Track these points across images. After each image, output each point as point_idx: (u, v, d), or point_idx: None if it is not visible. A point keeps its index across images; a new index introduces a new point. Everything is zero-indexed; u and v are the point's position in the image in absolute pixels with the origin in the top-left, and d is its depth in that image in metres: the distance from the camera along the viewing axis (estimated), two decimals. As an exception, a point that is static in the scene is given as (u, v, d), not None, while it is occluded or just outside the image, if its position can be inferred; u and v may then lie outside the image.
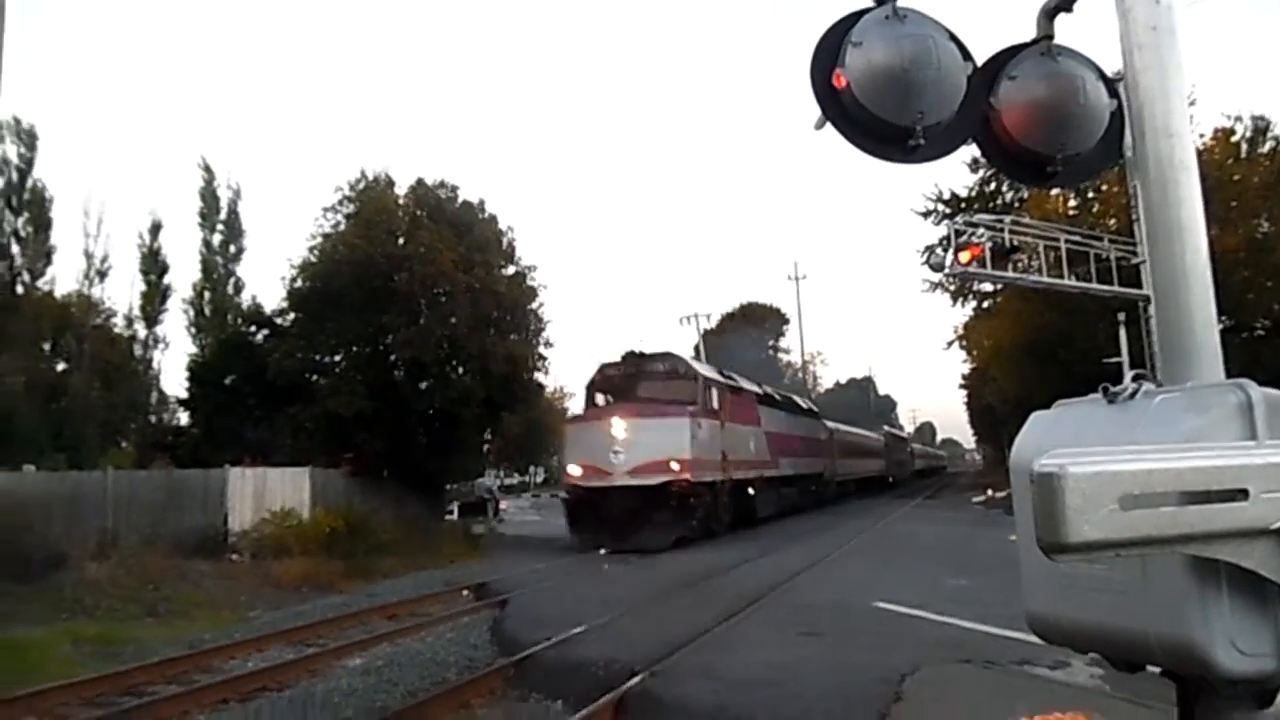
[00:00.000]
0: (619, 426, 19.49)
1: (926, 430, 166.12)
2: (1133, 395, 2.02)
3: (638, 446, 19.07)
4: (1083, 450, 1.58)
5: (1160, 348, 2.22)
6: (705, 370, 22.98)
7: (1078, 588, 2.01)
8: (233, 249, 35.25)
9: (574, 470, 20.14)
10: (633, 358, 22.42)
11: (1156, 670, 2.03)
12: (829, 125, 2.46)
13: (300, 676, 8.55)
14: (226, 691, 8.01)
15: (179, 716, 7.35)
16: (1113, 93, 2.65)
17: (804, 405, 35.95)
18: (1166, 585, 1.80)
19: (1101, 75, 2.62)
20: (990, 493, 37.25)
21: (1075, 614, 2.06)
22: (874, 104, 2.29)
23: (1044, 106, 2.55)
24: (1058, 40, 2.60)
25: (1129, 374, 2.11)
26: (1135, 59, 2.26)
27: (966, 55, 2.41)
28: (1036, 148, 2.56)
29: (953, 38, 2.40)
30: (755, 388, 28.04)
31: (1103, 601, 1.95)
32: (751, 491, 24.28)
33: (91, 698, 8.11)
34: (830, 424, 39.24)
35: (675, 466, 19.10)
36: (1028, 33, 2.58)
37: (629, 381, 21.72)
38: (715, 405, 21.99)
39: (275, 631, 11.21)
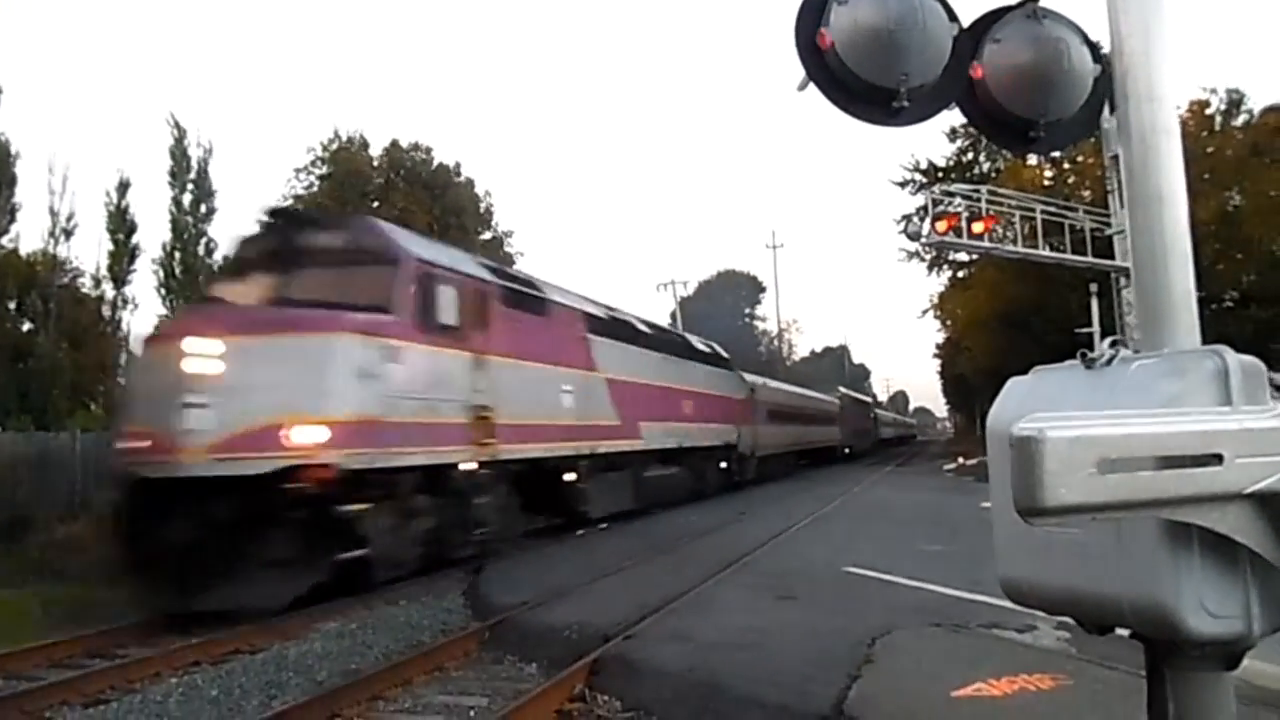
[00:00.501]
0: (198, 353, 9.27)
1: (900, 399, 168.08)
2: (1110, 361, 2.04)
3: (236, 396, 9.18)
4: (1061, 414, 1.59)
5: (1138, 314, 2.24)
6: (430, 250, 12.26)
7: (1051, 552, 2.04)
8: (204, 208, 34.45)
9: (125, 444, 9.86)
10: (287, 221, 11.84)
11: (1126, 633, 2.07)
12: (812, 87, 2.43)
13: (273, 639, 8.53)
14: (199, 654, 7.98)
15: (150, 678, 7.31)
16: (1097, 58, 2.63)
17: (704, 348, 25.49)
18: (1139, 549, 1.82)
19: (1086, 39, 2.60)
20: (961, 460, 37.78)
21: (1048, 578, 2.09)
22: (858, 65, 2.27)
23: (1028, 71, 2.53)
24: (1044, 3, 2.58)
25: (1104, 340, 2.12)
26: (1121, 22, 2.24)
27: (953, 16, 2.39)
28: (1019, 112, 2.55)
29: (939, -3, 2.37)
30: (586, 305, 17.28)
31: (1076, 565, 1.98)
32: (573, 478, 15.25)
33: (61, 660, 8.06)
34: (752, 378, 30.54)
35: (302, 438, 9.33)
36: (1014, -7, 2.55)
37: (271, 268, 10.89)
38: (450, 318, 11.58)
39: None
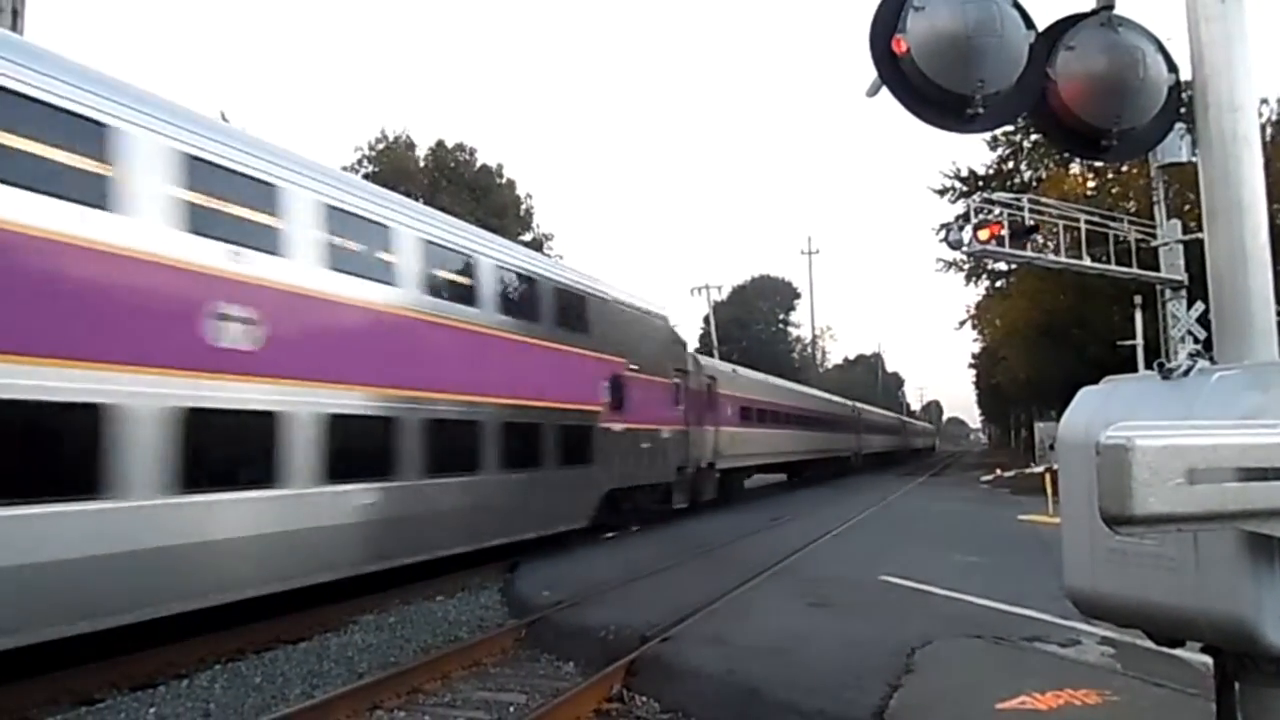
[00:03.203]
0: None
1: (933, 408, 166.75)
2: (1187, 372, 2.02)
3: None
4: (1148, 424, 1.58)
5: (1215, 325, 2.21)
6: None
7: (1124, 564, 2.02)
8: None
9: None
10: None
11: (1198, 646, 2.05)
12: (884, 92, 2.43)
13: (313, 630, 8.65)
14: (242, 642, 8.10)
15: (195, 664, 7.44)
16: (1171, 66, 2.60)
17: None
18: (1219, 562, 1.80)
19: (1161, 47, 2.57)
20: (998, 472, 37.25)
21: (1120, 589, 2.07)
22: (934, 70, 2.26)
23: (1102, 78, 2.51)
24: (1118, 10, 2.56)
25: (1183, 351, 2.11)
26: (1202, 31, 2.22)
27: (1029, 23, 2.37)
28: (1092, 120, 2.53)
29: (1015, 4, 2.36)
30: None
31: (1151, 577, 1.96)
32: None
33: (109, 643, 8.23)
34: None
35: None
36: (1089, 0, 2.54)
37: None
38: None
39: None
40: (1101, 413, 2.05)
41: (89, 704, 6.50)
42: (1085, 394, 2.22)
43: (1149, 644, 2.17)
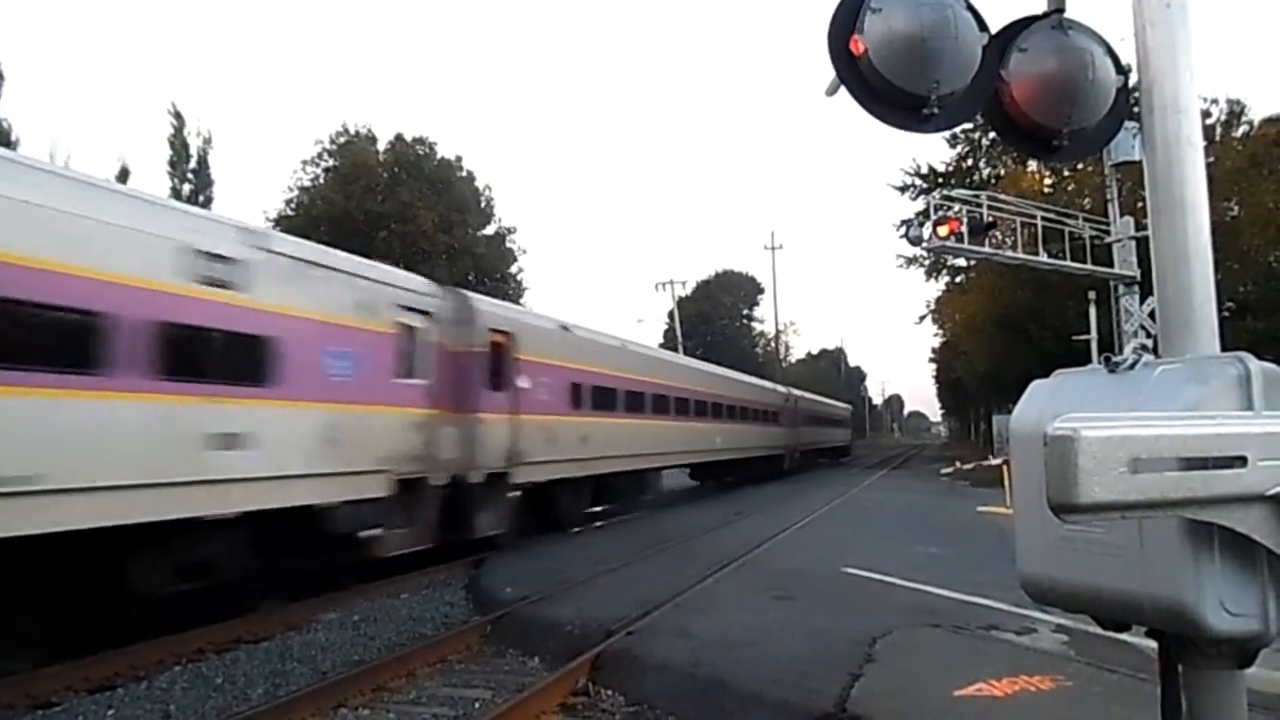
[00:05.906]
0: None
1: (895, 402, 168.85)
2: (1133, 365, 2.09)
3: None
4: (1094, 415, 1.64)
5: (1160, 320, 2.28)
6: None
7: (1073, 551, 2.09)
8: (202, 199, 34.59)
9: None
10: None
11: (1142, 630, 2.12)
12: (842, 91, 2.47)
13: (276, 629, 8.57)
14: (202, 642, 8.00)
15: (154, 665, 7.34)
16: (1119, 68, 2.68)
17: None
18: (1161, 548, 1.87)
19: (1110, 50, 2.65)
20: (958, 464, 37.82)
21: (1069, 576, 2.14)
22: (890, 71, 2.31)
23: (1053, 80, 2.58)
24: (1069, 13, 2.63)
25: (1129, 345, 2.18)
26: (1148, 35, 2.29)
27: (983, 25, 2.43)
28: (1044, 121, 2.60)
29: (970, 7, 2.42)
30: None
31: (1098, 564, 2.03)
32: None
33: (67, 645, 8.07)
34: None
35: None
36: (1041, 3, 2.60)
37: None
38: None
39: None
40: (1050, 405, 2.11)
41: (46, 707, 6.39)
42: (1036, 387, 2.29)
43: (1100, 631, 2.24)
